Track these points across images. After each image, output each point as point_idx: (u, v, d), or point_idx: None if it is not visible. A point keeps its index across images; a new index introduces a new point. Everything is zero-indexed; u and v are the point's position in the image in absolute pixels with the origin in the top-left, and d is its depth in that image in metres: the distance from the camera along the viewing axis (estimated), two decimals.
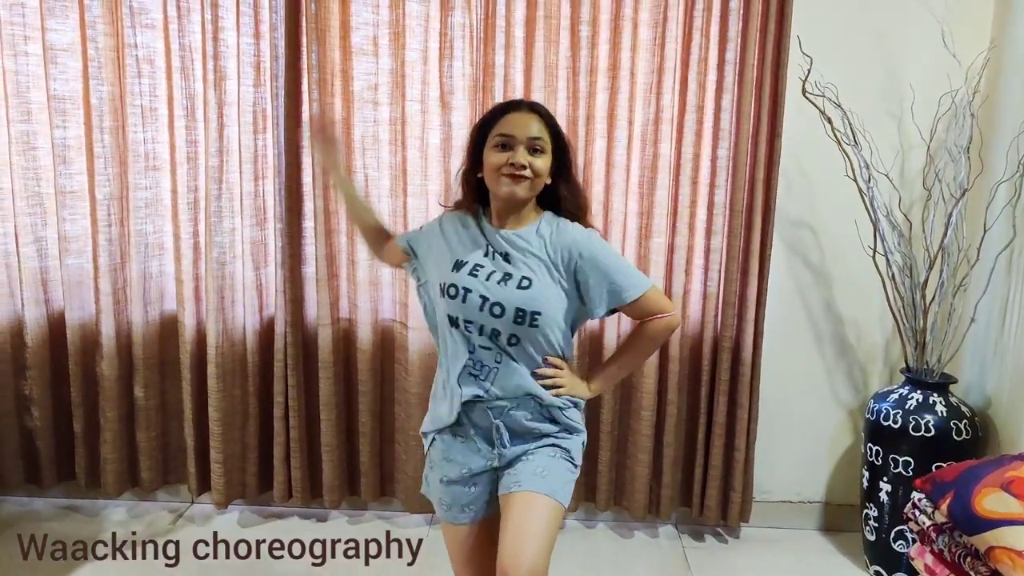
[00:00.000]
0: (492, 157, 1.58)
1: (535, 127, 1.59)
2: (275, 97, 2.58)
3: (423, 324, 2.61)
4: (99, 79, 2.57)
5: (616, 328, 2.68)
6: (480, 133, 1.64)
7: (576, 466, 1.68)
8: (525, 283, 1.56)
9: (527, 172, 1.57)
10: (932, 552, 1.36)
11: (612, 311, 1.66)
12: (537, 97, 2.53)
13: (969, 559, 1.26)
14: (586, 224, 1.68)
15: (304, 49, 2.54)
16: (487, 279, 1.57)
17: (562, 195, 1.65)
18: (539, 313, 1.55)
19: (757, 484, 2.80)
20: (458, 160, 2.55)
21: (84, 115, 2.61)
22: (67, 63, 2.59)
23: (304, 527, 2.85)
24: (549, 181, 1.63)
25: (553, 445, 1.64)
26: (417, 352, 2.69)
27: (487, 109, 2.48)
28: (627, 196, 2.61)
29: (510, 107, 1.64)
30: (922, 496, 1.39)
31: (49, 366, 2.78)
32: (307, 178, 2.64)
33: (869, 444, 2.53)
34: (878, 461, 2.49)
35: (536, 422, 1.63)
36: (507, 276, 1.57)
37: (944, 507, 1.31)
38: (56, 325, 2.78)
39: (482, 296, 1.56)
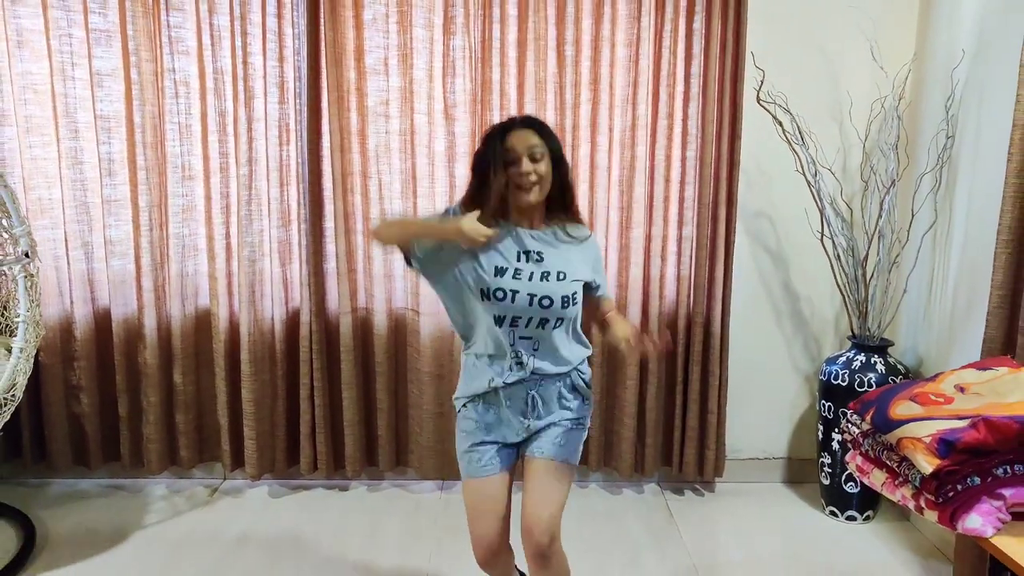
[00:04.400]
0: (501, 176, 1.82)
1: (532, 138, 1.83)
2: (298, 113, 2.93)
3: (432, 310, 3.01)
4: (140, 100, 2.89)
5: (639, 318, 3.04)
6: (488, 151, 1.85)
7: (586, 428, 1.99)
8: (561, 276, 1.85)
9: (532, 178, 1.82)
10: (860, 454, 1.74)
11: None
12: (529, 108, 2.91)
13: (886, 452, 1.64)
14: (576, 211, 1.99)
15: (323, 70, 2.89)
16: (530, 279, 1.82)
17: (561, 185, 1.91)
18: (576, 292, 1.87)
19: (729, 444, 3.19)
20: (461, 165, 2.94)
21: (127, 132, 2.93)
22: (111, 86, 2.91)
23: (328, 496, 3.18)
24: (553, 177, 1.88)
25: (570, 418, 1.92)
26: (428, 335, 3.05)
27: (486, 121, 2.88)
28: (609, 193, 3.00)
29: (509, 127, 1.87)
30: (853, 413, 1.77)
31: (96, 357, 3.08)
32: (327, 184, 2.98)
33: (823, 401, 2.93)
34: (830, 416, 2.89)
35: (562, 396, 1.90)
36: (546, 274, 1.84)
37: (868, 418, 1.69)
38: (102, 320, 3.08)
39: (530, 294, 1.81)
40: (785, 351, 3.19)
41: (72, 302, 3.04)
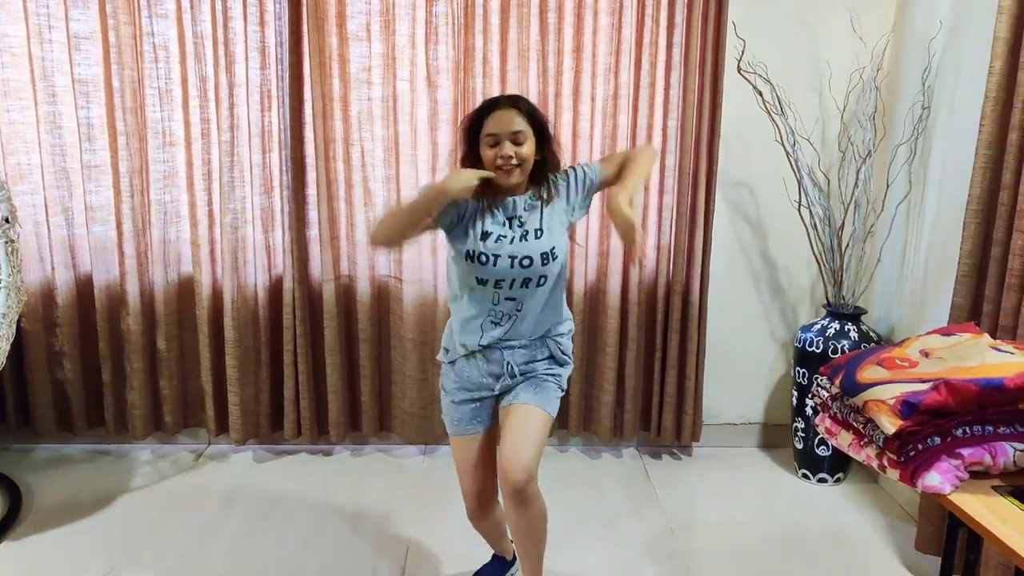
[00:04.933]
0: (486, 153, 1.87)
1: (516, 121, 1.85)
2: (280, 79, 2.91)
3: (415, 278, 3.04)
4: (119, 64, 2.87)
5: (620, 286, 3.10)
6: (473, 127, 1.90)
7: (562, 389, 2.05)
8: (539, 233, 1.90)
9: (514, 161, 1.85)
10: (829, 416, 1.80)
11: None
12: (511, 76, 2.92)
13: (853, 414, 1.70)
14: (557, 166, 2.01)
15: (305, 35, 2.87)
16: (511, 243, 1.88)
17: (545, 159, 1.95)
18: (557, 247, 1.91)
19: (706, 409, 3.25)
20: (444, 133, 2.95)
21: (106, 97, 2.90)
22: (89, 50, 2.88)
23: (312, 461, 3.22)
24: (538, 157, 1.92)
25: (546, 372, 2.01)
26: (411, 302, 3.08)
27: (469, 88, 2.89)
28: (591, 161, 3.01)
29: (493, 106, 1.90)
30: (823, 377, 1.83)
31: (78, 323, 3.09)
32: (310, 150, 2.98)
33: (797, 368, 3.00)
34: (804, 381, 2.96)
35: (537, 360, 1.99)
36: (524, 234, 1.89)
37: (837, 382, 1.75)
38: (84, 287, 3.09)
39: (511, 256, 1.87)
40: (762, 319, 3.25)
41: (53, 268, 3.03)
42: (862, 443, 1.69)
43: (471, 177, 1.81)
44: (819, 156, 3.01)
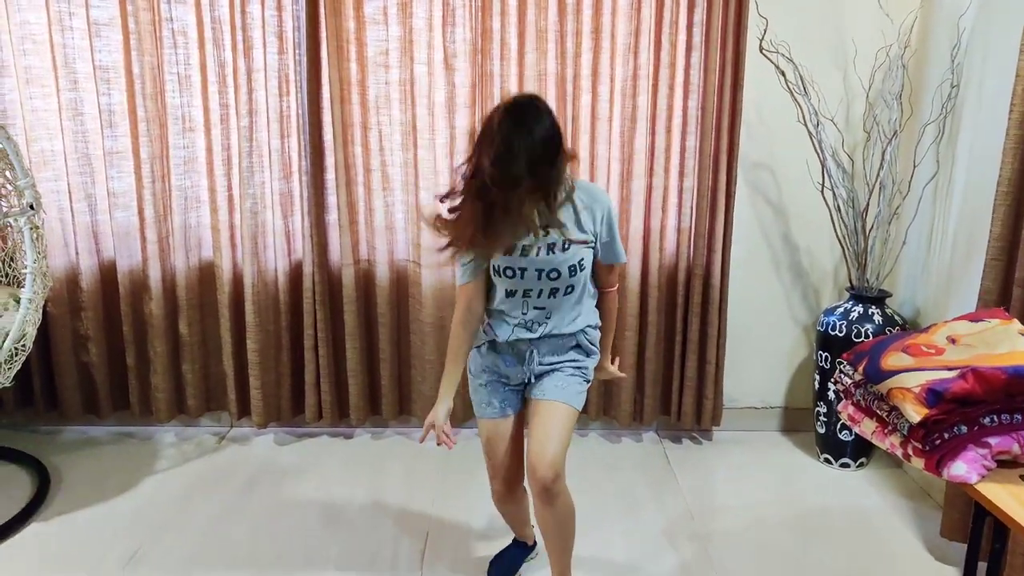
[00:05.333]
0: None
1: (519, 164, 1.69)
2: (297, 63, 2.91)
3: (434, 262, 3.03)
4: (139, 50, 2.87)
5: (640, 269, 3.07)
6: (489, 138, 1.74)
7: (588, 380, 2.06)
8: (567, 244, 1.87)
9: None
10: (852, 404, 1.78)
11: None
12: (529, 58, 2.89)
13: (876, 402, 1.67)
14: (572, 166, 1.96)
15: (322, 20, 2.86)
16: (537, 255, 1.86)
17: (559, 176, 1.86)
18: (583, 258, 1.90)
19: (726, 393, 3.23)
20: (461, 116, 2.94)
21: (126, 83, 2.92)
22: (110, 36, 2.89)
23: (333, 444, 3.25)
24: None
25: (571, 363, 2.01)
26: (429, 287, 3.08)
27: (486, 71, 2.86)
28: (610, 144, 2.99)
29: (507, 116, 1.73)
30: (846, 363, 1.80)
31: (102, 308, 3.13)
32: (328, 135, 2.98)
33: (820, 352, 2.97)
34: (827, 366, 2.93)
35: (562, 352, 2.00)
36: (552, 246, 1.86)
37: (860, 369, 1.73)
38: (107, 272, 3.12)
39: (538, 269, 1.86)
40: (784, 302, 3.21)
41: (77, 253, 3.07)
42: (886, 431, 1.67)
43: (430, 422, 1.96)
44: (843, 137, 2.95)
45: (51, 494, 2.77)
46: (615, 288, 2.10)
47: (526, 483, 2.05)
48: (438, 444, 1.96)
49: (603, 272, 2.04)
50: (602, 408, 3.26)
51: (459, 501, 2.74)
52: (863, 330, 2.81)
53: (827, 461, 3.04)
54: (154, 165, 2.98)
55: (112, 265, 3.10)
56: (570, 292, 1.93)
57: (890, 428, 1.66)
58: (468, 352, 2.02)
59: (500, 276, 1.91)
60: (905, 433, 1.59)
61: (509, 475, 2.08)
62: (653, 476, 2.98)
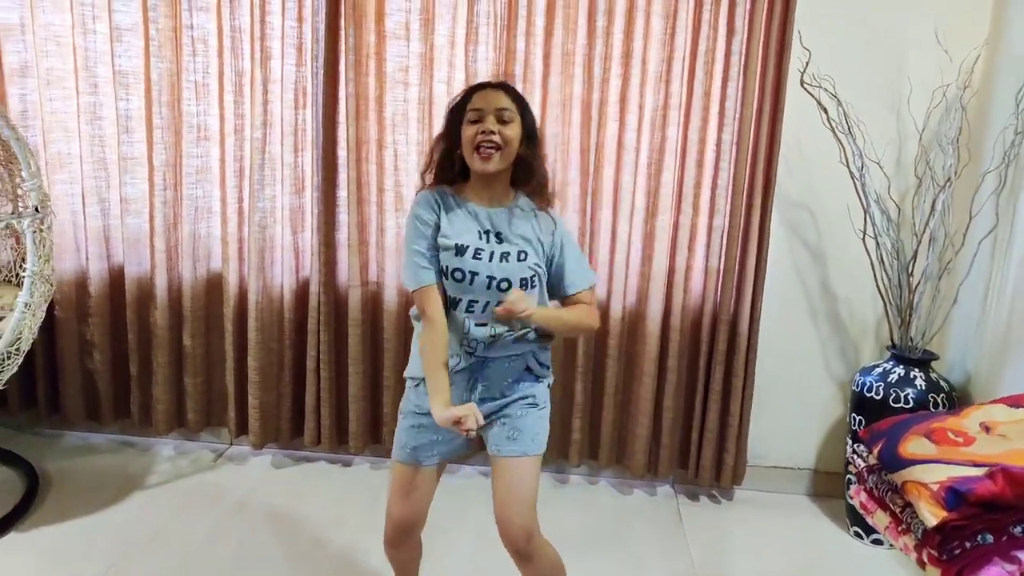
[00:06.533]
0: (466, 131, 1.71)
1: (503, 100, 1.72)
2: (315, 76, 2.82)
3: None
4: (158, 56, 2.83)
5: (661, 311, 2.90)
6: (455, 114, 1.77)
7: (544, 407, 1.84)
8: (523, 256, 1.73)
9: (496, 138, 1.68)
10: (865, 490, 1.56)
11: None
12: (554, 81, 2.74)
13: (890, 493, 1.45)
14: (548, 200, 1.84)
15: (342, 32, 2.77)
16: (490, 260, 1.71)
17: (528, 164, 1.77)
18: (535, 275, 1.75)
19: (751, 449, 2.99)
20: None
21: (144, 89, 2.87)
22: (131, 41, 2.85)
23: (331, 470, 3.12)
24: (521, 152, 1.75)
25: (521, 400, 1.80)
26: None
27: None
28: (636, 176, 2.80)
29: (479, 86, 1.79)
30: (860, 443, 1.58)
31: (109, 314, 3.08)
32: (342, 151, 2.88)
33: (853, 414, 2.71)
34: (860, 430, 2.67)
35: (511, 378, 1.79)
36: (506, 254, 1.72)
37: (876, 451, 1.50)
38: (116, 278, 3.07)
39: (489, 276, 1.70)
40: (819, 355, 2.96)
41: (87, 258, 3.03)
42: (900, 529, 1.44)
43: (456, 419, 1.61)
44: (890, 182, 2.70)
45: (37, 503, 2.71)
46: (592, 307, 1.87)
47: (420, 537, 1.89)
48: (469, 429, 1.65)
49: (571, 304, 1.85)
50: (614, 456, 3.05)
51: (453, 539, 2.57)
52: (902, 394, 2.55)
53: (857, 535, 2.76)
54: (167, 173, 2.92)
55: (121, 271, 3.05)
56: None
57: (904, 527, 1.43)
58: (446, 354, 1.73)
59: (447, 278, 1.73)
60: (920, 536, 1.37)
61: (407, 523, 1.86)
62: (662, 534, 2.76)
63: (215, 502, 2.80)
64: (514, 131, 1.73)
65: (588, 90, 2.74)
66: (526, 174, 1.80)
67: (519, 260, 1.73)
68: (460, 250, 1.72)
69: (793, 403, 3.00)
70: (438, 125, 2.75)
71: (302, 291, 3.03)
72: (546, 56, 2.74)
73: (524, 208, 1.81)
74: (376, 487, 2.99)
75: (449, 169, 1.81)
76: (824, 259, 2.87)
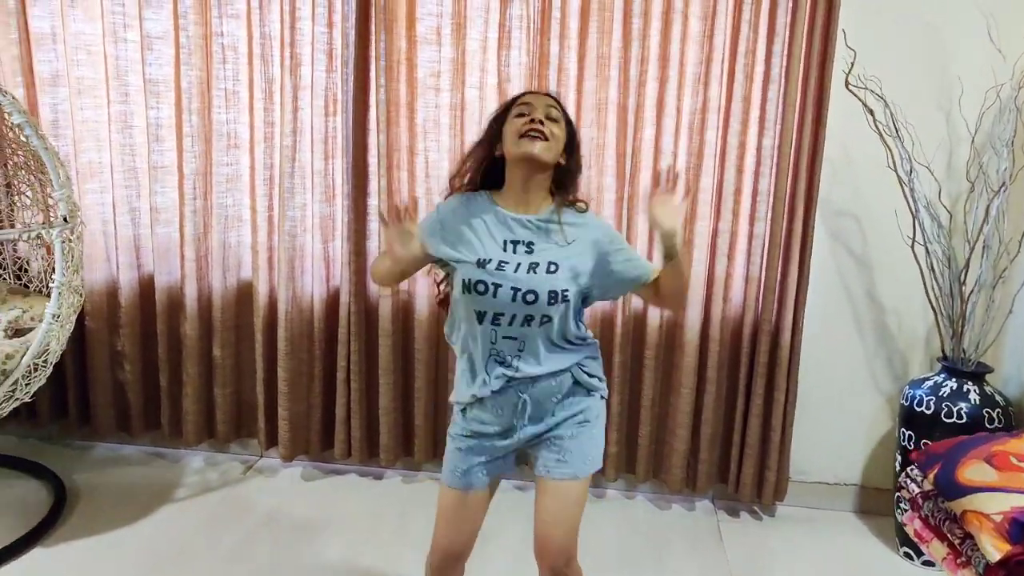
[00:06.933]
0: (511, 124, 1.66)
1: (550, 101, 1.71)
2: (345, 82, 2.78)
3: None
4: (189, 64, 2.81)
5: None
6: (497, 121, 1.73)
7: (596, 423, 1.75)
8: (553, 268, 1.64)
9: (544, 128, 1.63)
10: (920, 518, 1.46)
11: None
12: (588, 85, 2.67)
13: (948, 522, 1.35)
14: (578, 199, 1.77)
15: (373, 38, 2.72)
16: (515, 271, 1.63)
17: (566, 174, 1.72)
18: (568, 289, 1.65)
19: (794, 464, 2.88)
20: None
21: (175, 97, 2.85)
22: (161, 50, 2.83)
23: (361, 484, 3.07)
24: (562, 160, 1.70)
25: (572, 418, 1.71)
26: None
27: None
28: None
29: (524, 93, 1.77)
30: (914, 466, 1.48)
31: (139, 325, 3.06)
32: (372, 158, 2.83)
33: (902, 429, 2.60)
34: (911, 446, 2.55)
35: (560, 395, 1.70)
36: (534, 265, 1.64)
37: (932, 476, 1.41)
38: (146, 288, 3.05)
39: (513, 288, 1.61)
40: (865, 367, 2.85)
41: (118, 268, 3.01)
42: (959, 561, 1.34)
43: (408, 236, 1.61)
44: (940, 186, 2.59)
45: (64, 517, 2.68)
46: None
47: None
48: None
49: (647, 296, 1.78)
50: (651, 469, 2.96)
51: (486, 556, 2.48)
52: (955, 409, 2.43)
53: (907, 556, 2.64)
54: (197, 181, 2.90)
55: (151, 281, 3.03)
56: (546, 323, 1.64)
57: (963, 559, 1.33)
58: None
59: (470, 292, 1.63)
60: (981, 571, 1.27)
61: (453, 552, 1.78)
62: (701, 551, 2.66)
63: (244, 515, 2.76)
64: (560, 131, 1.68)
65: (624, 94, 2.67)
66: (563, 184, 1.74)
67: (548, 272, 1.64)
68: (482, 262, 1.65)
69: (837, 416, 2.89)
70: (470, 132, 2.74)
71: (332, 301, 2.99)
72: (580, 59, 2.67)
73: (559, 218, 1.72)
74: (408, 500, 2.93)
75: (482, 177, 1.75)
76: (870, 267, 2.77)
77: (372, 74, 2.76)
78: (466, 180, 1.78)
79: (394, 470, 3.13)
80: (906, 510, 1.51)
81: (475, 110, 2.76)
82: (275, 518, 2.75)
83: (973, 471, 1.34)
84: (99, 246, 2.99)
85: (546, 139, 1.64)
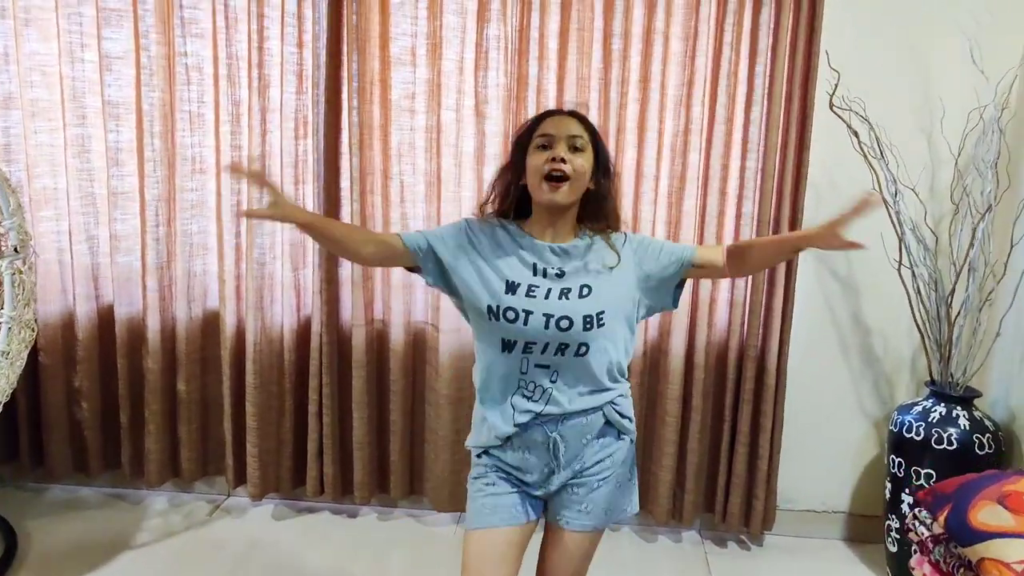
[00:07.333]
0: (534, 159, 1.58)
1: (574, 127, 1.60)
2: (316, 104, 2.67)
3: (454, 327, 2.73)
4: (150, 86, 2.68)
5: (684, 347, 2.72)
6: (521, 142, 1.64)
7: (624, 470, 1.65)
8: (586, 291, 1.55)
9: (567, 167, 1.54)
10: (930, 563, 1.39)
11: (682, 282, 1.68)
12: (568, 107, 2.59)
13: (962, 570, 1.28)
14: (607, 226, 1.69)
15: (345, 58, 2.63)
16: (546, 297, 1.54)
17: (598, 199, 1.64)
18: (604, 312, 1.54)
19: (782, 492, 2.82)
20: (492, 168, 2.65)
21: (136, 120, 2.72)
22: (121, 70, 2.71)
23: (335, 522, 2.93)
24: (592, 186, 1.62)
25: (597, 464, 1.61)
26: (448, 354, 2.76)
27: (521, 119, 2.58)
28: (656, 206, 2.66)
29: (549, 113, 1.67)
30: (922, 508, 1.42)
31: (98, 359, 2.90)
32: (345, 183, 2.73)
33: (892, 456, 2.55)
34: (900, 473, 2.51)
35: (590, 435, 1.59)
36: (566, 291, 1.55)
37: (942, 519, 1.34)
38: (105, 320, 2.90)
39: (545, 315, 1.52)
40: (852, 392, 2.80)
41: (75, 299, 2.85)
42: None
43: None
44: (926, 209, 2.57)
45: (14, 568, 2.50)
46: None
47: None
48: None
49: (705, 268, 1.67)
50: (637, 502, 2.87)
51: None
52: (945, 435, 2.39)
53: None
54: (159, 208, 2.77)
55: (110, 312, 2.88)
56: (583, 354, 1.54)
57: None
58: (342, 231, 1.73)
59: (499, 320, 1.54)
60: None
61: None
62: None
63: (211, 559, 2.61)
64: (586, 161, 1.59)
65: (604, 117, 2.60)
66: (595, 211, 1.65)
67: (581, 296, 1.55)
68: (511, 287, 1.56)
69: (824, 442, 2.84)
70: (447, 155, 2.65)
71: (303, 331, 2.86)
72: (560, 81, 2.61)
73: (591, 242, 1.64)
74: (384, 540, 2.80)
75: (511, 203, 1.67)
76: (856, 291, 2.73)
77: (344, 96, 2.67)
78: (496, 208, 1.70)
79: (369, 507, 3.00)
80: (915, 552, 1.43)
81: (451, 132, 2.67)
82: (244, 561, 2.61)
83: (987, 514, 1.27)
84: (54, 276, 2.83)
85: (568, 179, 1.56)
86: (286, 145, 2.70)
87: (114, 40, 2.69)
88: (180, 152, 2.75)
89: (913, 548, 1.44)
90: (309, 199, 2.76)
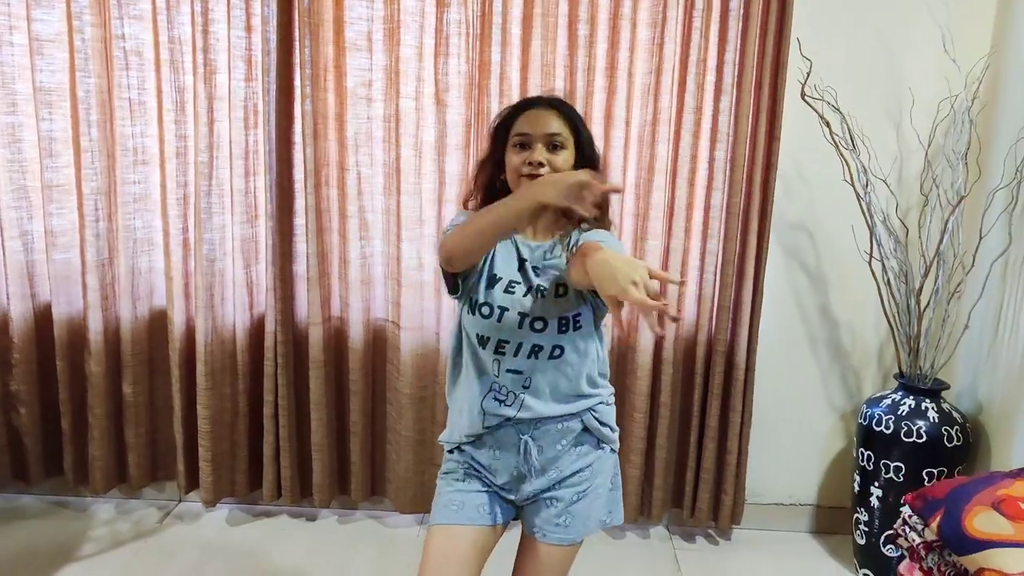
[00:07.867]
0: (511, 158, 1.52)
1: (553, 123, 1.51)
2: (267, 92, 2.53)
3: (415, 324, 2.64)
4: (86, 71, 2.51)
5: (652, 343, 2.65)
6: (499, 133, 1.57)
7: (604, 481, 1.59)
8: (562, 291, 1.49)
9: (544, 171, 1.47)
10: (921, 570, 1.35)
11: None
12: (547, 96, 2.49)
13: None
14: (606, 225, 1.62)
15: (297, 44, 2.49)
16: (524, 295, 1.49)
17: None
18: (580, 314, 1.49)
19: (750, 487, 2.79)
20: (453, 159, 2.55)
21: (71, 107, 2.55)
22: (53, 54, 2.53)
23: (294, 526, 2.83)
24: None
25: (574, 475, 1.55)
26: (409, 352, 2.66)
27: (482, 108, 2.48)
28: (623, 197, 2.58)
29: (527, 104, 1.58)
30: (912, 513, 1.37)
31: (36, 362, 2.73)
32: (298, 175, 2.60)
33: (861, 449, 2.53)
34: (869, 466, 2.49)
35: (566, 442, 1.54)
36: (540, 289, 1.49)
37: (934, 525, 1.30)
38: (42, 320, 2.73)
39: (520, 313, 1.48)
40: (820, 385, 2.78)
41: (8, 298, 2.68)
42: None
43: (570, 181, 1.27)
44: (896, 200, 2.54)
45: None
46: None
47: None
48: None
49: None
50: None
51: None
52: (914, 428, 2.38)
53: None
54: (99, 202, 2.60)
55: (48, 312, 2.71)
56: (558, 356, 1.49)
57: None
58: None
59: (475, 314, 1.51)
60: None
61: None
62: None
63: (163, 567, 2.50)
64: (566, 159, 1.51)
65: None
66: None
67: (557, 296, 1.48)
68: (492, 281, 1.50)
69: (792, 436, 2.81)
70: (406, 145, 2.54)
71: (257, 330, 2.73)
72: (523, 68, 2.50)
73: (569, 240, 1.55)
74: (345, 543, 2.71)
75: (493, 196, 1.56)
76: (824, 283, 2.69)
77: (296, 83, 2.52)
78: (479, 201, 1.62)
79: (329, 510, 2.90)
80: (903, 557, 1.40)
81: (411, 122, 2.55)
82: (198, 569, 2.50)
83: (983, 521, 1.24)
84: None
85: None
86: (235, 135, 2.56)
87: (45, 22, 2.50)
88: (120, 142, 2.58)
89: (901, 553, 1.39)
90: (260, 193, 2.63)
